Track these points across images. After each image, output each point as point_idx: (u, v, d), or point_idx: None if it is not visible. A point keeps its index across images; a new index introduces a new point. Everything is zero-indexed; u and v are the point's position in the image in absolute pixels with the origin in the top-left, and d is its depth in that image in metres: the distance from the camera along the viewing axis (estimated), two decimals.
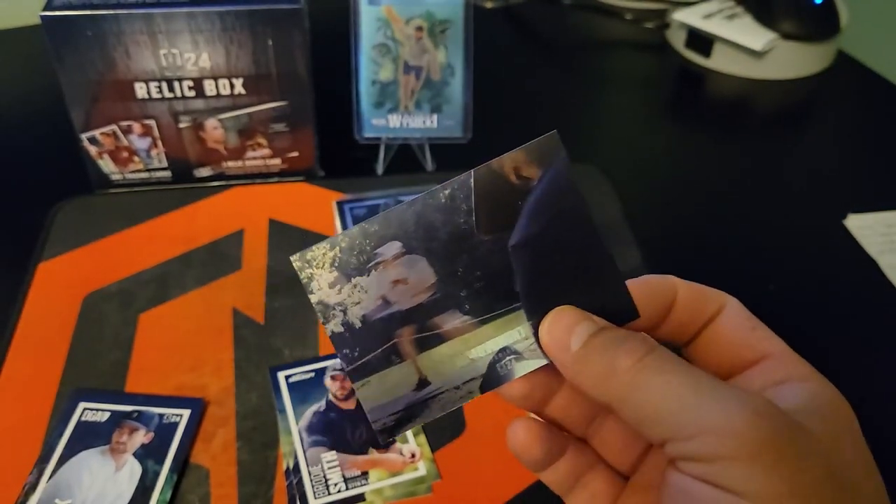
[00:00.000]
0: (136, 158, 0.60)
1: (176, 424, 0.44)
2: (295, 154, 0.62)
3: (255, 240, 0.57)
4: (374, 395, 0.27)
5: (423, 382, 0.27)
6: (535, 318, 0.27)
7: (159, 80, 0.56)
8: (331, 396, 0.46)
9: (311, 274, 0.26)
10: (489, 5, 0.91)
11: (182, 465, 0.42)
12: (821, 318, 0.54)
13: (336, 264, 0.26)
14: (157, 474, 0.42)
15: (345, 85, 0.61)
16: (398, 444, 0.43)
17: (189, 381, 0.47)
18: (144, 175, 0.61)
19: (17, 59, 0.82)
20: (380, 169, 0.64)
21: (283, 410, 0.45)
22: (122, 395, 0.46)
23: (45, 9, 0.53)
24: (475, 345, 0.27)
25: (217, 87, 0.57)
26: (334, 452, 0.43)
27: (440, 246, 0.26)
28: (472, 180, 0.26)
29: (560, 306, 0.26)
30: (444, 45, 0.59)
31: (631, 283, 0.27)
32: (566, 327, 0.26)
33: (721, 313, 0.28)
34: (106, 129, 0.58)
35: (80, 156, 0.59)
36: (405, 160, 0.64)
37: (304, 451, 0.43)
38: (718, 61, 0.81)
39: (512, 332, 0.27)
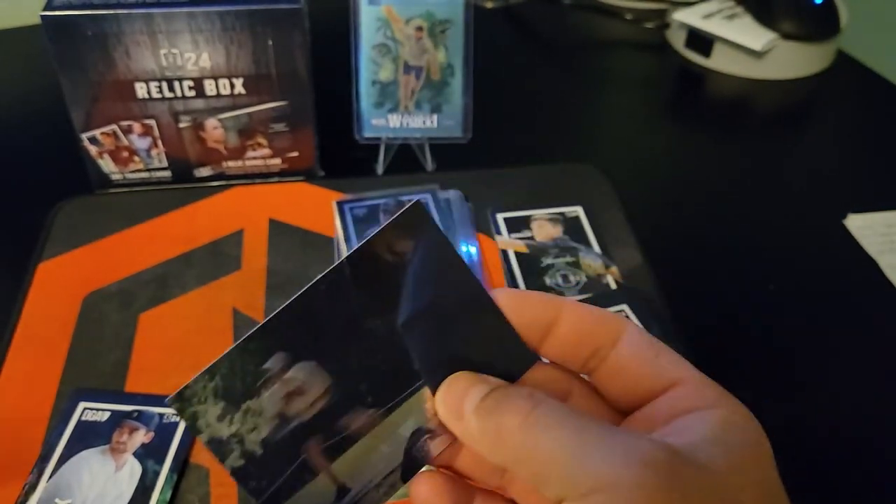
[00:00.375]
0: (136, 158, 0.60)
1: (176, 424, 0.44)
2: (295, 154, 0.62)
3: (255, 240, 0.57)
4: None
5: (342, 490, 0.25)
6: (434, 390, 0.26)
7: (159, 80, 0.56)
8: None
9: (195, 413, 0.24)
10: (489, 5, 0.91)
11: (182, 465, 0.42)
12: (820, 318, 0.54)
13: (220, 394, 0.24)
14: (157, 474, 0.42)
15: (345, 85, 0.61)
16: None
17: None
18: (145, 175, 0.61)
19: (18, 59, 0.82)
20: (380, 169, 0.64)
21: None
22: (123, 394, 0.46)
23: (45, 9, 0.53)
24: (387, 436, 0.26)
25: (217, 86, 0.57)
26: None
27: (329, 343, 0.25)
28: (347, 268, 0.25)
29: (453, 374, 0.26)
30: (444, 45, 0.59)
31: (506, 294, 0.27)
32: (458, 396, 0.25)
33: (620, 340, 0.27)
34: (106, 129, 0.58)
35: (81, 155, 0.59)
36: (405, 160, 0.64)
37: None
38: (718, 61, 0.81)
39: (420, 412, 0.26)
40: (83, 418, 0.44)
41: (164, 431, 0.44)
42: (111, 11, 0.53)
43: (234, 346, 0.24)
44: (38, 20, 0.53)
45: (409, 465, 0.26)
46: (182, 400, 0.24)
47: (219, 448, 0.24)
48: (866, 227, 0.61)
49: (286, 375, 0.24)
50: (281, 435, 0.25)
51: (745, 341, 0.52)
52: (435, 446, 0.26)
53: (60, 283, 0.53)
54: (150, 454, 0.43)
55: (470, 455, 0.27)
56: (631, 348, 0.26)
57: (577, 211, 0.59)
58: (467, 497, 0.27)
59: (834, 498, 0.43)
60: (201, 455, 0.43)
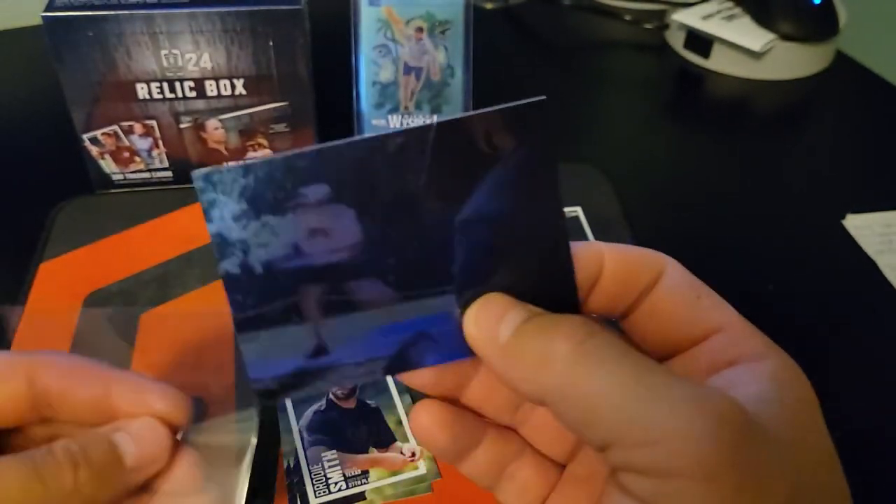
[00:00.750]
0: (137, 158, 0.60)
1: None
2: None
3: None
4: (261, 353, 0.23)
5: (320, 350, 0.23)
6: (466, 307, 0.23)
7: (160, 81, 0.57)
8: (331, 395, 0.46)
9: (214, 199, 0.22)
10: (489, 6, 0.91)
11: None
12: (820, 318, 0.54)
13: (246, 195, 0.22)
14: None
15: (345, 86, 0.61)
16: (398, 443, 0.44)
17: (189, 381, 0.47)
18: (146, 175, 0.61)
19: (18, 60, 0.82)
20: None
21: (283, 409, 0.45)
22: None
23: (45, 9, 0.53)
24: (389, 321, 0.23)
25: (218, 87, 0.58)
26: (335, 451, 0.43)
27: (377, 203, 0.22)
28: (432, 134, 0.22)
29: (490, 293, 0.23)
30: (444, 46, 0.59)
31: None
32: (495, 316, 0.22)
33: (660, 281, 0.24)
34: (107, 130, 0.59)
35: (82, 156, 0.60)
36: None
37: (305, 450, 0.43)
38: (717, 62, 0.81)
39: (436, 317, 0.23)
40: None
41: None
42: (112, 12, 0.53)
43: (280, 154, 0.22)
44: (38, 20, 0.53)
45: (399, 363, 0.24)
46: (207, 181, 0.22)
47: (221, 246, 0.23)
48: (865, 228, 0.61)
49: (320, 210, 0.22)
50: (287, 266, 0.23)
51: None
52: (434, 357, 0.24)
53: (61, 283, 0.53)
54: None
55: (480, 386, 0.25)
56: (669, 289, 0.24)
57: (577, 211, 0.59)
58: (475, 434, 0.25)
59: None
60: None
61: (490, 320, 0.22)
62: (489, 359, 0.22)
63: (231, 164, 0.22)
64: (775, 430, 0.20)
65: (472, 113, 0.22)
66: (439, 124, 0.22)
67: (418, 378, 0.24)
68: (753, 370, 0.21)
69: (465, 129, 0.22)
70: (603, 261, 0.24)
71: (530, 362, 0.21)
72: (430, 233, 0.22)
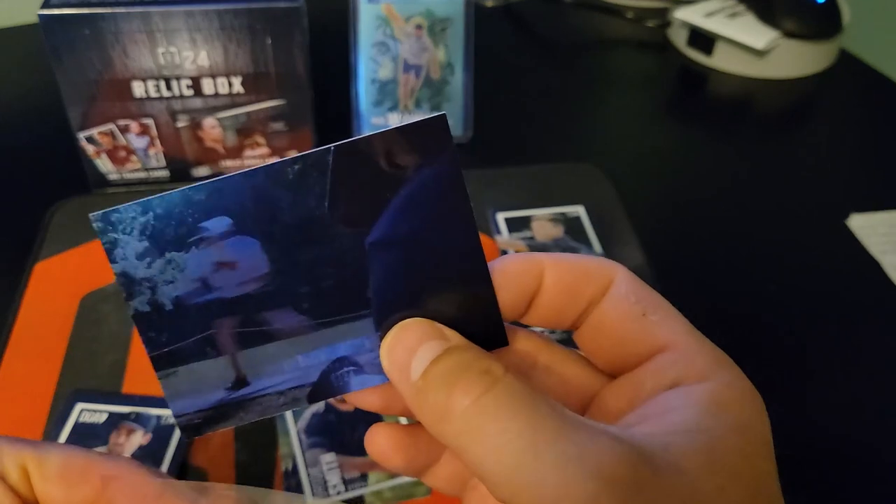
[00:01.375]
0: (133, 158, 0.60)
1: (173, 427, 0.44)
2: (293, 153, 0.61)
3: None
4: (181, 388, 0.23)
5: (240, 382, 0.23)
6: (384, 331, 0.23)
7: (157, 79, 0.56)
8: None
9: (116, 239, 0.22)
10: (489, 4, 0.91)
11: (180, 467, 0.42)
12: (823, 318, 0.54)
13: (147, 232, 0.22)
14: None
15: (344, 84, 0.60)
16: None
17: None
18: (142, 174, 0.61)
19: (15, 58, 0.81)
20: None
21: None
22: (120, 396, 0.46)
23: (42, 7, 0.53)
24: (308, 349, 0.23)
25: (215, 85, 0.57)
26: (333, 454, 0.43)
27: (281, 231, 0.22)
28: (330, 157, 0.21)
29: (407, 320, 0.22)
30: (444, 44, 0.59)
31: (496, 263, 0.23)
32: (408, 349, 0.21)
33: (607, 293, 0.23)
34: (103, 128, 0.58)
35: (78, 155, 0.59)
36: None
37: (303, 453, 0.43)
38: (720, 60, 0.81)
39: (356, 342, 0.23)
40: (80, 420, 0.44)
41: (161, 433, 0.43)
42: (109, 10, 0.53)
43: (178, 189, 0.21)
44: (35, 19, 0.53)
45: (321, 390, 0.23)
46: (106, 222, 0.21)
47: (128, 285, 0.22)
48: (869, 227, 0.61)
49: (223, 243, 0.22)
50: (197, 301, 0.22)
51: (746, 341, 0.51)
52: (357, 382, 0.23)
53: (58, 284, 0.53)
54: (147, 456, 0.42)
55: None
56: (615, 303, 0.22)
57: (578, 211, 0.59)
58: (431, 451, 0.24)
59: (834, 498, 0.43)
60: (199, 456, 0.43)
61: (403, 354, 0.22)
62: (403, 394, 0.22)
63: (129, 203, 0.21)
64: (690, 463, 0.19)
65: (370, 133, 0.21)
66: (337, 147, 0.21)
67: (366, 400, 0.24)
68: (690, 394, 0.21)
69: (365, 149, 0.21)
70: (543, 272, 0.23)
71: (433, 413, 0.20)
72: (344, 257, 0.22)
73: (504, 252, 0.55)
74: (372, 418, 0.44)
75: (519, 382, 0.20)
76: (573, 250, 0.55)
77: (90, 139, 0.58)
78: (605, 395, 0.23)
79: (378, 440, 0.24)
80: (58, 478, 0.23)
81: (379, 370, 0.23)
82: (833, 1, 0.79)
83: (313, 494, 0.41)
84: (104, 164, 0.60)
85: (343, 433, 0.44)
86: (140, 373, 0.47)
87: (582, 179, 0.63)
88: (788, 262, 0.58)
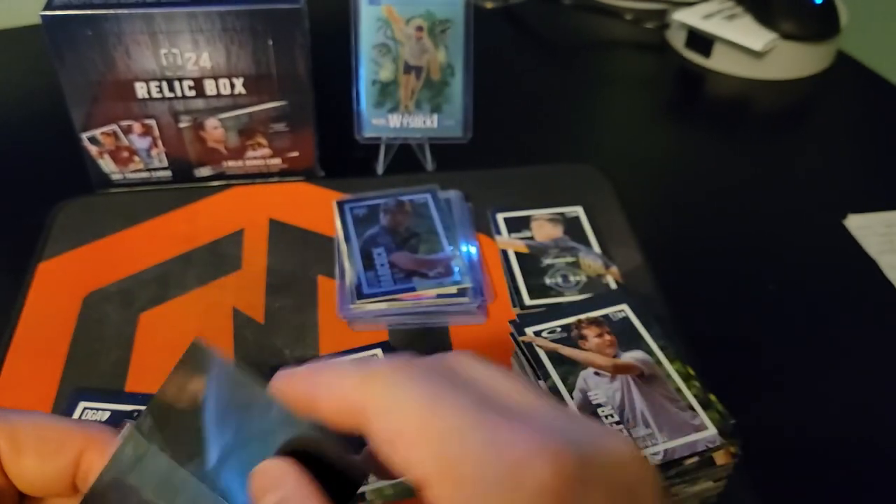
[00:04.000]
0: (136, 158, 0.60)
1: None
2: (295, 154, 0.62)
3: (255, 239, 0.57)
4: None
5: None
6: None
7: (160, 80, 0.56)
8: None
9: None
10: (489, 5, 0.91)
11: None
12: (821, 318, 0.54)
13: None
14: None
15: (345, 85, 0.61)
16: None
17: None
18: (145, 175, 0.61)
19: (18, 59, 0.82)
20: (380, 169, 0.64)
21: None
22: (123, 394, 0.46)
23: (45, 8, 0.53)
24: None
25: (217, 86, 0.57)
26: None
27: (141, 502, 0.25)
28: (135, 430, 0.25)
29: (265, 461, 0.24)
30: (445, 45, 0.59)
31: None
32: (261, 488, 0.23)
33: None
34: (106, 129, 0.58)
35: (81, 155, 0.59)
36: (405, 160, 0.64)
37: None
38: (718, 61, 0.81)
39: None
40: (83, 418, 0.44)
41: None
42: (111, 11, 0.53)
43: None
44: (38, 20, 0.53)
45: None
46: None
47: None
48: (866, 227, 0.61)
49: None
50: None
51: (745, 341, 0.52)
52: None
53: (61, 283, 0.53)
54: None
55: None
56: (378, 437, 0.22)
57: (577, 211, 0.59)
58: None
59: (834, 498, 0.43)
60: None
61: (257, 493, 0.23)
62: None
63: None
64: None
65: (155, 395, 0.25)
66: (137, 423, 0.25)
67: None
68: None
69: (165, 401, 0.25)
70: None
71: None
72: (204, 493, 0.24)
73: (504, 252, 0.55)
74: None
75: None
76: (572, 250, 0.55)
77: (93, 140, 0.59)
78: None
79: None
80: (32, 451, 0.24)
81: None
82: (831, 3, 0.80)
83: None
84: (107, 165, 0.60)
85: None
86: (142, 371, 0.48)
87: (581, 180, 0.63)
88: (786, 262, 0.59)
